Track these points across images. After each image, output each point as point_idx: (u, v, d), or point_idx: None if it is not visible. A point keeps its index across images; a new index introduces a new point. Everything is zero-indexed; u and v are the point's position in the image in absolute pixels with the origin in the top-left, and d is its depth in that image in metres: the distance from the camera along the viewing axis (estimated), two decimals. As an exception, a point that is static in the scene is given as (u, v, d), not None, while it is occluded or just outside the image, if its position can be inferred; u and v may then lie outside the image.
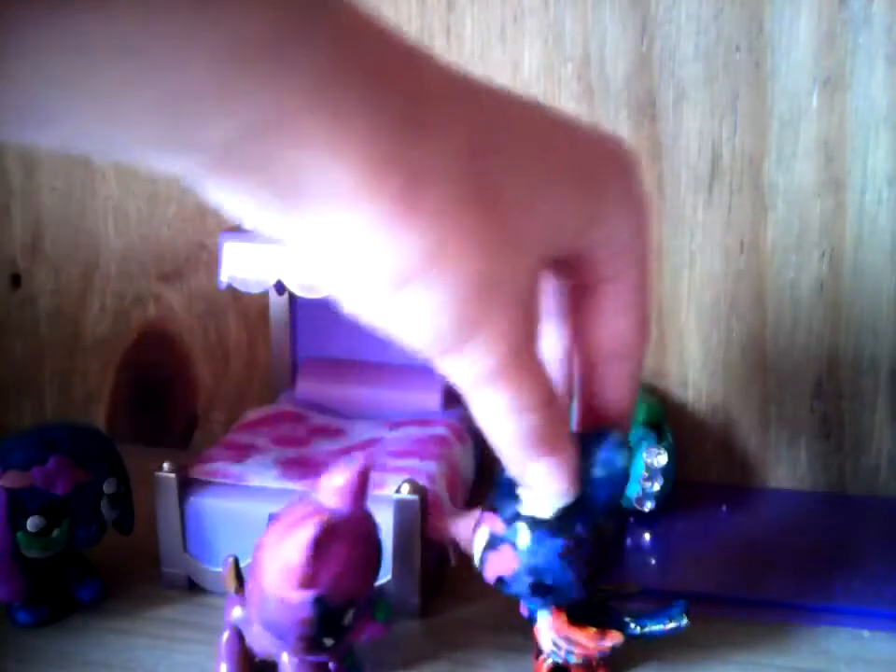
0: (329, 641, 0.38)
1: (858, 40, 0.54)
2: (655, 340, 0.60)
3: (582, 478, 0.32)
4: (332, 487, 0.38)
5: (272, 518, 0.43)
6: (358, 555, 0.38)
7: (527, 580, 0.35)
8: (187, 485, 0.48)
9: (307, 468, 0.50)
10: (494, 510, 0.36)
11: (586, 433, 0.33)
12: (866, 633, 0.46)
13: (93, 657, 0.44)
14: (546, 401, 0.28)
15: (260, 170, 0.22)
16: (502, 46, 0.58)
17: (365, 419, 0.57)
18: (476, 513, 0.37)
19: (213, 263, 0.61)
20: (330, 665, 0.40)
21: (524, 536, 0.34)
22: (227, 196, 0.24)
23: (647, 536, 0.54)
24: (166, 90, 0.19)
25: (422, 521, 0.45)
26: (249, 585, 0.39)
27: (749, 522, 0.57)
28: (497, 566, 0.35)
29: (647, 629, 0.40)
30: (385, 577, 0.45)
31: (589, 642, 0.39)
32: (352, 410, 0.58)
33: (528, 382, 0.27)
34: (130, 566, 0.50)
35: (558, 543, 0.34)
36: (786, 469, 0.61)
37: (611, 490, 0.33)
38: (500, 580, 0.36)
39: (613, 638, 0.39)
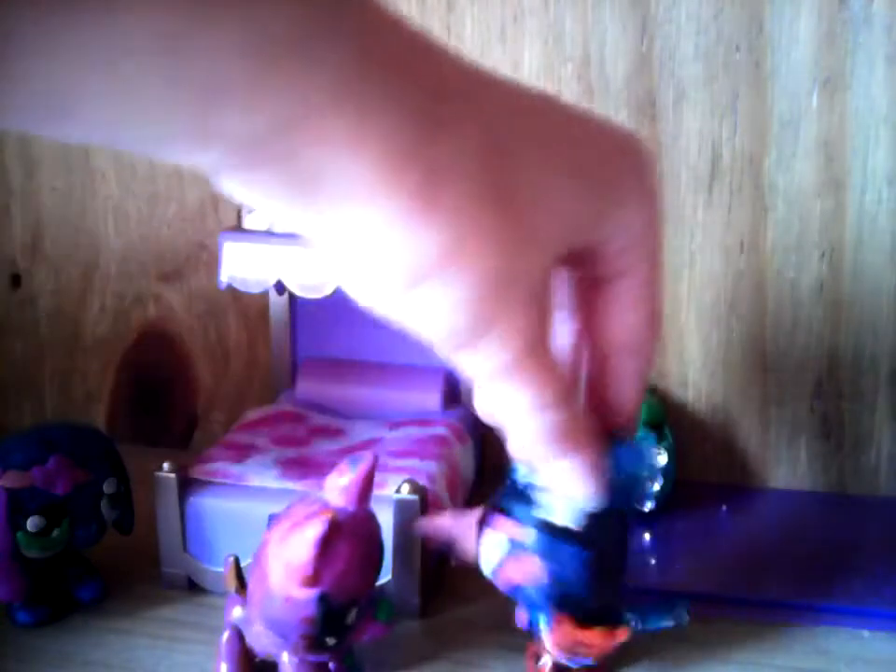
0: (331, 640, 0.38)
1: (858, 40, 0.54)
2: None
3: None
4: (338, 486, 0.38)
5: (272, 518, 0.43)
6: (362, 554, 0.38)
7: (549, 589, 0.34)
8: (187, 485, 0.48)
9: (307, 468, 0.50)
10: (506, 513, 0.35)
11: (607, 440, 0.31)
12: (866, 633, 0.46)
13: (93, 657, 0.44)
14: (565, 397, 0.28)
15: (283, 165, 0.22)
16: (502, 46, 0.58)
17: (365, 419, 0.57)
18: (474, 514, 0.37)
19: (213, 263, 0.61)
20: (331, 664, 0.40)
21: (549, 544, 0.33)
22: (248, 191, 0.24)
23: (647, 536, 0.54)
24: (195, 85, 0.20)
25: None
26: (251, 584, 0.39)
27: (749, 522, 0.57)
28: (516, 573, 0.35)
29: (649, 624, 0.40)
30: (385, 577, 0.45)
31: (600, 642, 0.38)
32: (352, 410, 0.58)
33: (545, 377, 0.27)
34: (130, 566, 0.50)
35: (585, 554, 0.33)
36: (786, 468, 0.61)
37: (630, 499, 0.33)
38: (516, 587, 0.35)
39: (623, 634, 0.39)
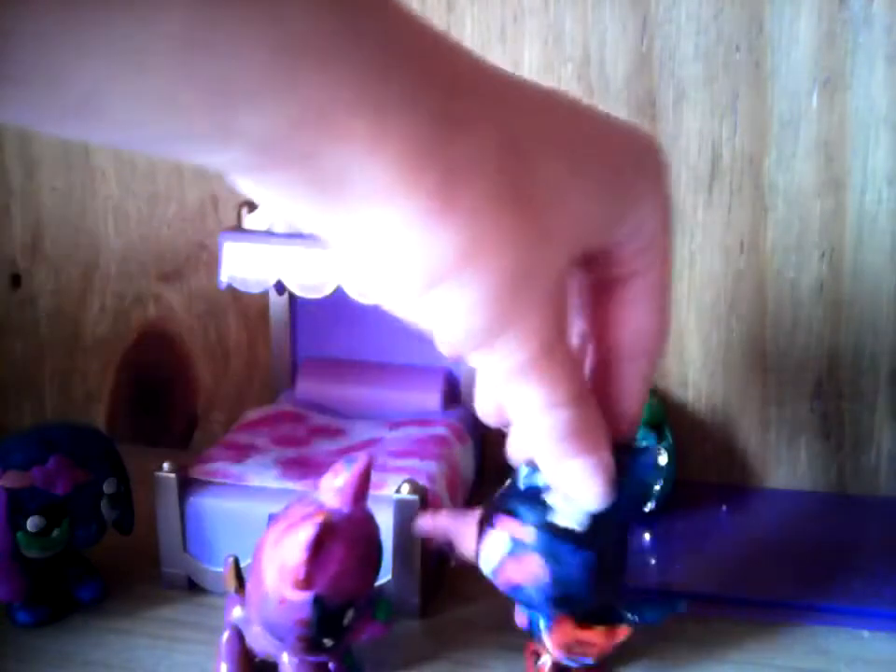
0: (328, 641, 0.38)
1: (858, 40, 0.54)
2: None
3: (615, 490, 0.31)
4: (333, 487, 0.38)
5: (272, 518, 0.43)
6: (358, 555, 0.37)
7: (550, 591, 0.34)
8: (187, 485, 0.48)
9: (307, 468, 0.50)
10: (508, 513, 0.35)
11: (618, 446, 0.31)
12: (866, 633, 0.46)
13: (93, 657, 0.44)
14: (579, 396, 0.28)
15: (302, 165, 0.22)
16: (502, 46, 0.58)
17: (365, 419, 0.57)
18: (474, 513, 0.37)
19: (213, 263, 0.61)
20: (330, 665, 0.40)
21: (552, 545, 0.33)
22: (268, 191, 0.24)
23: (647, 536, 0.54)
24: (218, 82, 0.20)
25: (422, 521, 0.45)
26: (249, 585, 0.39)
27: (749, 522, 0.57)
28: (517, 573, 0.35)
29: (646, 618, 0.40)
30: (385, 577, 0.45)
31: (600, 641, 0.38)
32: (352, 410, 0.58)
33: (560, 376, 0.27)
34: (130, 566, 0.50)
35: (587, 556, 0.33)
36: (786, 468, 0.61)
37: (638, 505, 0.33)
38: (517, 587, 0.35)
39: (623, 633, 0.39)
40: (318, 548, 0.35)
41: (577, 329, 0.32)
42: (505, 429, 0.32)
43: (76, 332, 0.68)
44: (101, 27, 0.18)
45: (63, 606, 0.47)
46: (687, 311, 0.60)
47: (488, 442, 0.60)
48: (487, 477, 0.59)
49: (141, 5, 0.18)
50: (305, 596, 0.36)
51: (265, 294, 0.59)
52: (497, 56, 0.58)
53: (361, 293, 0.49)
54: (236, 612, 0.41)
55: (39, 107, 0.19)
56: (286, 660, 0.40)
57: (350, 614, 0.38)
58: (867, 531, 0.56)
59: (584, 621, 0.38)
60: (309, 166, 0.22)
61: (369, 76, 0.22)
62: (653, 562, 0.53)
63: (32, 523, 0.44)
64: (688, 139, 0.57)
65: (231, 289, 0.52)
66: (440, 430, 0.55)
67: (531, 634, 0.41)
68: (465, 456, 0.55)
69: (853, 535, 0.55)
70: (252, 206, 0.53)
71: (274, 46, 0.20)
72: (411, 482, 0.45)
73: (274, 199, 0.25)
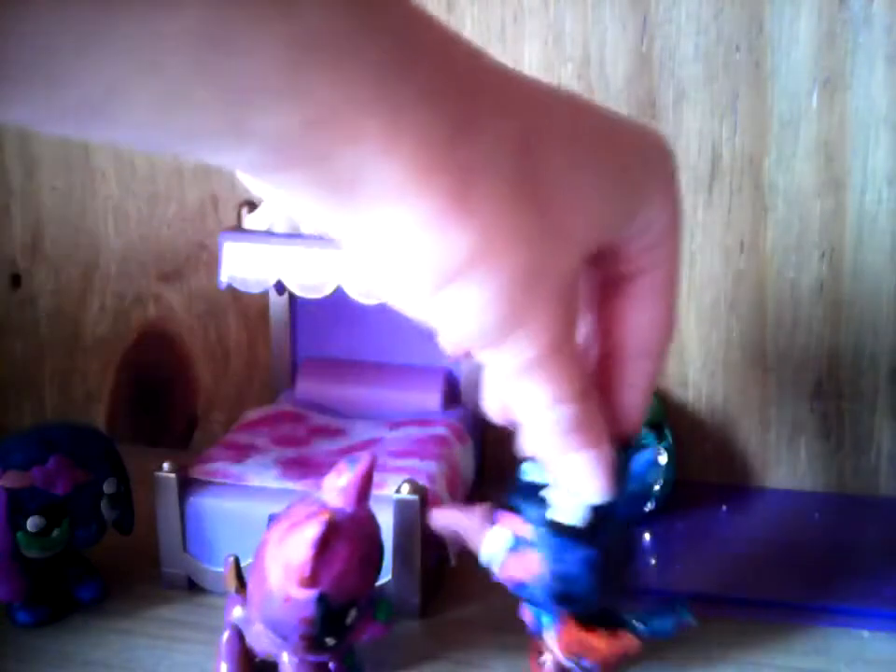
0: (330, 641, 0.38)
1: (858, 40, 0.54)
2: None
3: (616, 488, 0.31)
4: (336, 487, 0.38)
5: (272, 518, 0.43)
6: (361, 555, 0.38)
7: (551, 587, 0.34)
8: (187, 485, 0.48)
9: (307, 468, 0.50)
10: (512, 510, 0.35)
11: (618, 444, 0.31)
12: (866, 633, 0.46)
13: (93, 657, 0.44)
14: (584, 393, 0.28)
15: (316, 164, 0.22)
16: (502, 46, 0.58)
17: (365, 419, 0.57)
18: (482, 511, 0.37)
19: (213, 263, 0.61)
20: (331, 664, 0.40)
21: (553, 542, 0.33)
22: (281, 191, 0.24)
23: (647, 536, 0.54)
24: (233, 81, 0.20)
25: (422, 521, 0.45)
26: (251, 584, 0.39)
27: (749, 522, 0.57)
28: (518, 569, 0.35)
29: (653, 628, 0.39)
30: (385, 577, 0.45)
31: (604, 646, 0.38)
32: (352, 410, 0.58)
33: (567, 373, 0.27)
34: (130, 566, 0.50)
35: (587, 552, 0.33)
36: (786, 468, 0.61)
37: (639, 503, 0.33)
38: (519, 583, 0.35)
39: (628, 641, 0.38)
40: (324, 546, 0.36)
41: (582, 325, 0.32)
42: (510, 427, 0.32)
43: (76, 332, 0.68)
44: (108, 27, 0.18)
45: (62, 606, 0.47)
46: (687, 311, 0.60)
47: (488, 442, 0.60)
48: (487, 477, 0.60)
49: (155, 5, 0.18)
50: (310, 594, 0.36)
51: (265, 294, 0.59)
52: (497, 56, 0.58)
53: (363, 293, 0.49)
54: (236, 612, 0.41)
55: (49, 108, 0.19)
56: (286, 660, 0.40)
57: (353, 613, 0.38)
58: (867, 531, 0.56)
59: (589, 623, 0.38)
60: (323, 165, 0.22)
61: (384, 75, 0.22)
62: (653, 562, 0.53)
63: (32, 523, 0.44)
64: (688, 139, 0.57)
65: (231, 289, 0.52)
66: (440, 430, 0.55)
67: (536, 633, 0.40)
68: (465, 456, 0.55)
69: (853, 535, 0.55)
70: (252, 206, 0.53)
71: (289, 44, 0.20)
72: (411, 482, 0.45)
73: (289, 198, 0.24)
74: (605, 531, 0.33)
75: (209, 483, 0.48)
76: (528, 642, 0.42)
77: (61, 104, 0.19)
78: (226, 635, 0.41)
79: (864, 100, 0.55)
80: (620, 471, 0.30)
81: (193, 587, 0.48)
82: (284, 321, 0.60)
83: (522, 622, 0.41)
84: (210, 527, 0.48)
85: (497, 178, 0.24)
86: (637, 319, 0.30)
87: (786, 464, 0.61)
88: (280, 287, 0.52)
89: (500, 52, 0.58)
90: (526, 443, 0.31)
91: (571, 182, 0.26)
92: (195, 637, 0.45)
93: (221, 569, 0.44)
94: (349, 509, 0.37)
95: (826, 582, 0.49)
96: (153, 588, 0.48)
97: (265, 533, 0.39)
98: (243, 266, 0.51)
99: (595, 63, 0.57)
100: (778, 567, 0.51)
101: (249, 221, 0.52)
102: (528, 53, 0.58)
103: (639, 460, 0.32)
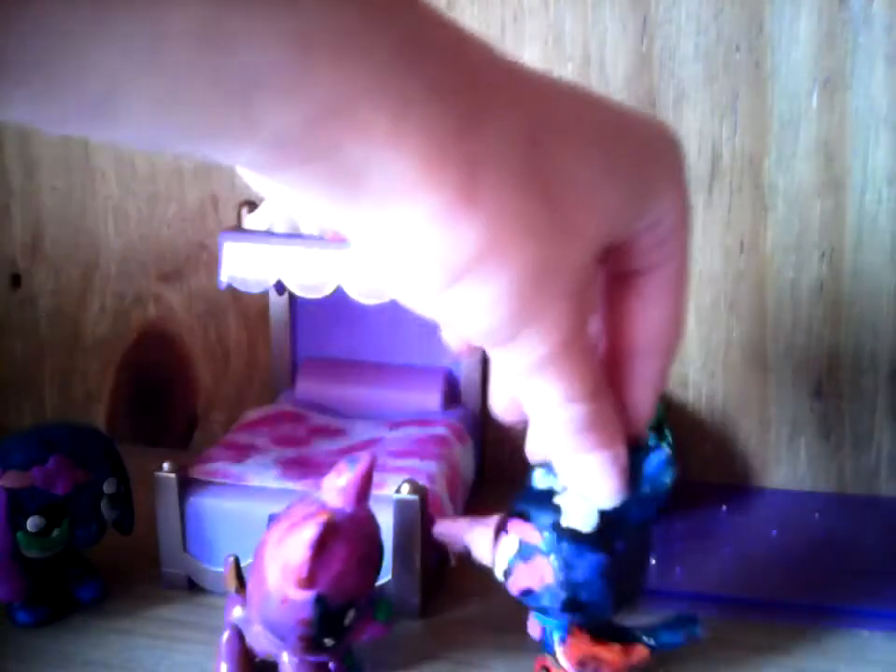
0: (329, 641, 0.38)
1: (858, 40, 0.54)
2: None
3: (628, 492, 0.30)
4: (336, 487, 0.38)
5: (272, 518, 0.43)
6: (360, 555, 0.37)
7: (561, 594, 0.34)
8: (187, 485, 0.48)
9: (307, 468, 0.50)
10: (523, 517, 0.34)
11: (631, 447, 0.30)
12: (866, 633, 0.46)
13: (93, 657, 0.44)
14: (596, 391, 0.28)
15: (322, 159, 0.22)
16: (502, 46, 0.58)
17: (365, 419, 0.57)
18: (493, 521, 0.36)
19: (213, 263, 0.61)
20: (330, 665, 0.40)
21: (562, 548, 0.33)
22: (287, 188, 0.24)
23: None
24: (237, 76, 0.19)
25: (422, 521, 0.45)
26: (251, 584, 0.39)
27: (749, 522, 0.57)
28: (527, 577, 0.34)
29: (663, 642, 0.39)
30: (385, 577, 0.45)
31: (616, 658, 0.38)
32: (352, 410, 0.58)
33: (579, 371, 0.27)
34: (130, 566, 0.50)
35: (598, 559, 0.33)
36: (786, 468, 0.61)
37: (653, 508, 0.32)
38: (528, 592, 0.34)
39: (640, 654, 0.38)
40: (321, 547, 0.36)
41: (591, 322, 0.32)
42: (515, 426, 0.31)
43: (76, 332, 0.68)
44: (108, 27, 0.18)
45: (63, 606, 0.47)
46: (687, 311, 0.60)
47: (488, 442, 0.60)
48: (487, 477, 0.60)
49: (155, 5, 0.18)
50: (307, 596, 0.36)
51: (265, 294, 0.59)
52: (497, 56, 0.58)
53: (363, 293, 0.49)
54: (236, 612, 0.41)
55: (50, 108, 0.19)
56: (286, 660, 0.40)
57: (351, 614, 0.38)
58: (867, 531, 0.56)
59: (600, 637, 0.38)
60: (330, 161, 0.22)
61: (391, 69, 0.21)
62: (654, 562, 0.53)
63: (32, 523, 0.44)
64: (688, 139, 0.57)
65: (231, 289, 0.52)
66: (440, 430, 0.55)
67: (543, 646, 0.39)
68: (465, 456, 0.55)
69: (853, 535, 0.55)
70: (252, 206, 0.53)
71: (292, 42, 0.20)
72: (411, 482, 0.45)
73: (295, 196, 0.24)
74: (617, 536, 0.33)
75: (209, 482, 0.48)
76: (535, 659, 0.41)
77: (61, 103, 0.19)
78: (226, 635, 0.41)
79: (864, 100, 0.55)
80: (631, 473, 0.30)
81: (193, 587, 0.48)
82: (284, 321, 0.61)
83: (522, 622, 0.41)
84: (210, 527, 0.48)
85: (506, 172, 0.24)
86: (646, 316, 0.30)
87: (786, 464, 0.61)
88: (280, 287, 0.52)
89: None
90: (537, 444, 0.31)
91: (581, 176, 0.25)
92: (195, 637, 0.45)
93: (221, 569, 0.44)
94: (349, 509, 0.37)
95: (826, 582, 0.49)
96: (153, 588, 0.48)
97: (265, 533, 0.39)
98: (243, 266, 0.51)
99: (595, 63, 0.57)
100: (778, 567, 0.51)
101: (249, 221, 0.52)
102: (528, 53, 0.58)
103: (652, 461, 0.31)
